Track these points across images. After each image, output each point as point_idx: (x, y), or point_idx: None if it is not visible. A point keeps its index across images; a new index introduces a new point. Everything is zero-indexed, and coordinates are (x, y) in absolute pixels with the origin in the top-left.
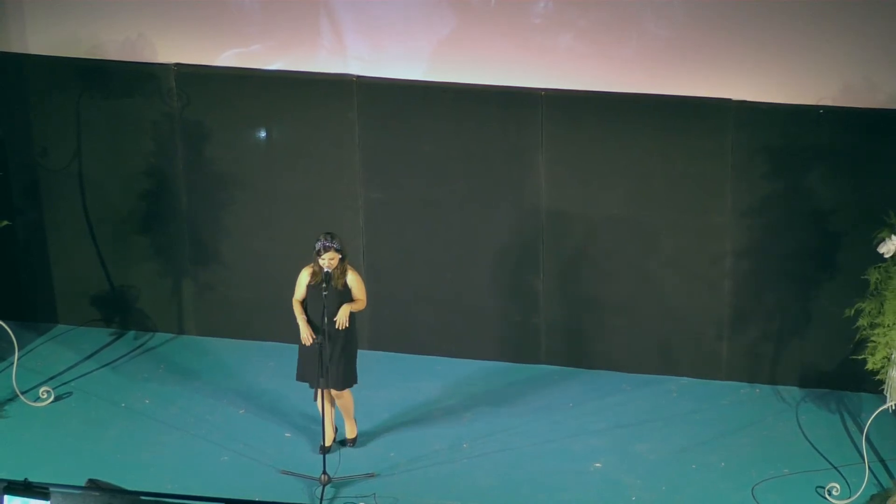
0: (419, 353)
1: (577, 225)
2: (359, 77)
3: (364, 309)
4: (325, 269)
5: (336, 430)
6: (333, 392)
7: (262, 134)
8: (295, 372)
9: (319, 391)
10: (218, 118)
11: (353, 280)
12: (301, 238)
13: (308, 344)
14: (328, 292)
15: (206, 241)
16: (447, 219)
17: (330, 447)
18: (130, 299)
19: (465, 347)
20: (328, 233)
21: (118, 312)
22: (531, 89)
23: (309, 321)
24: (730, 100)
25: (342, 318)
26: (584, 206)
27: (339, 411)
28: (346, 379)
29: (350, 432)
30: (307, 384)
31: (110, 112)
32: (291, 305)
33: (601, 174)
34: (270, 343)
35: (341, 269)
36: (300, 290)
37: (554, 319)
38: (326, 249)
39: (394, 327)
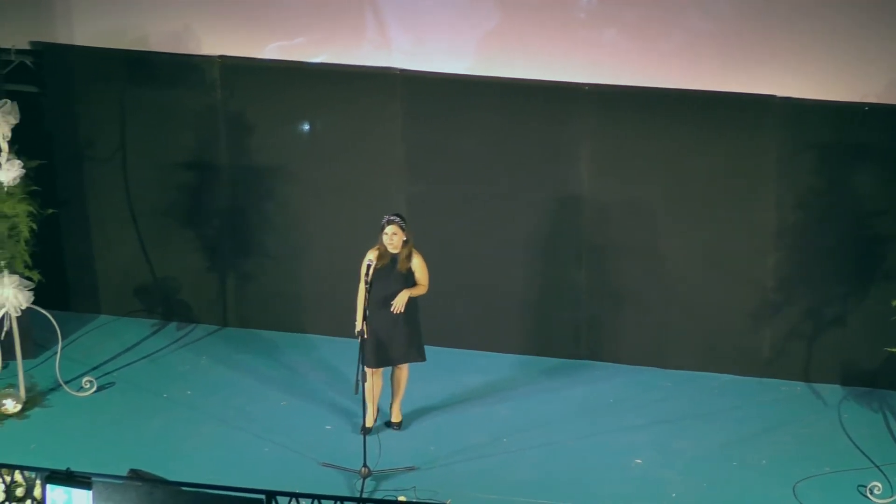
0: (460, 347)
1: (619, 220)
2: (402, 70)
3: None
4: (367, 263)
5: (378, 411)
6: (398, 366)
7: (306, 127)
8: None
9: (361, 383)
10: (261, 111)
11: (418, 263)
12: (344, 230)
13: (362, 338)
14: (394, 274)
15: (248, 233)
16: (489, 212)
17: (371, 429)
18: (173, 290)
19: (506, 342)
20: (396, 213)
21: (161, 303)
22: (574, 84)
23: (372, 310)
24: (774, 96)
25: (399, 303)
26: (626, 201)
27: (392, 392)
28: (415, 353)
29: (396, 415)
30: (355, 376)
31: (155, 104)
32: (332, 301)
33: (643, 169)
34: (312, 335)
35: (407, 252)
36: (364, 274)
37: (595, 314)
38: (390, 222)
39: (436, 321)
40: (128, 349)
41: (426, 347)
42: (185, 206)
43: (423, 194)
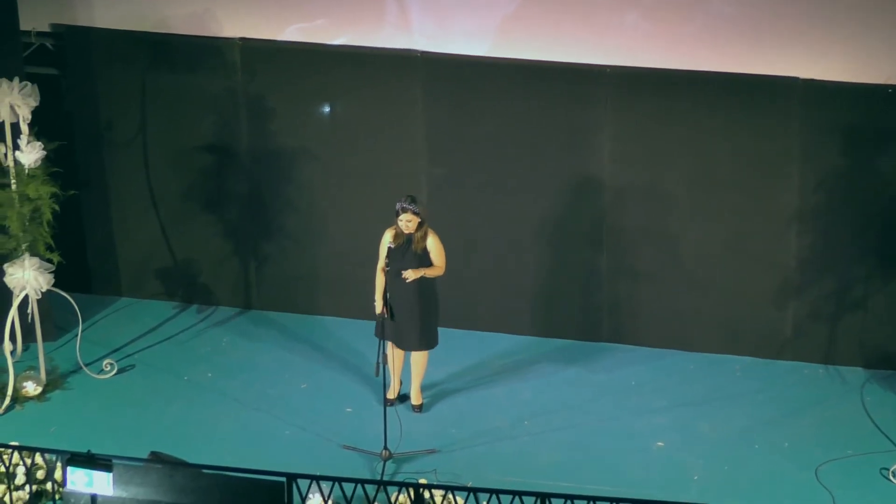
0: (481, 330)
1: (640, 203)
2: (423, 53)
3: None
4: (389, 245)
5: (402, 383)
6: (412, 356)
7: (326, 109)
8: (373, 331)
9: (382, 365)
10: (282, 93)
11: (433, 244)
12: (365, 213)
13: (380, 319)
14: (409, 255)
15: (268, 216)
16: (510, 195)
17: (394, 400)
18: (194, 273)
19: (528, 324)
20: (409, 195)
21: (181, 286)
22: (596, 66)
23: (389, 291)
24: (797, 78)
25: (411, 273)
26: (647, 184)
27: (410, 372)
28: (425, 341)
29: (416, 398)
30: (376, 358)
31: (175, 86)
32: (353, 284)
33: (665, 152)
34: (332, 318)
35: (422, 233)
36: (383, 253)
37: (617, 297)
38: (404, 210)
39: (456, 303)
40: (148, 332)
41: (446, 330)
42: (205, 188)
43: (443, 177)
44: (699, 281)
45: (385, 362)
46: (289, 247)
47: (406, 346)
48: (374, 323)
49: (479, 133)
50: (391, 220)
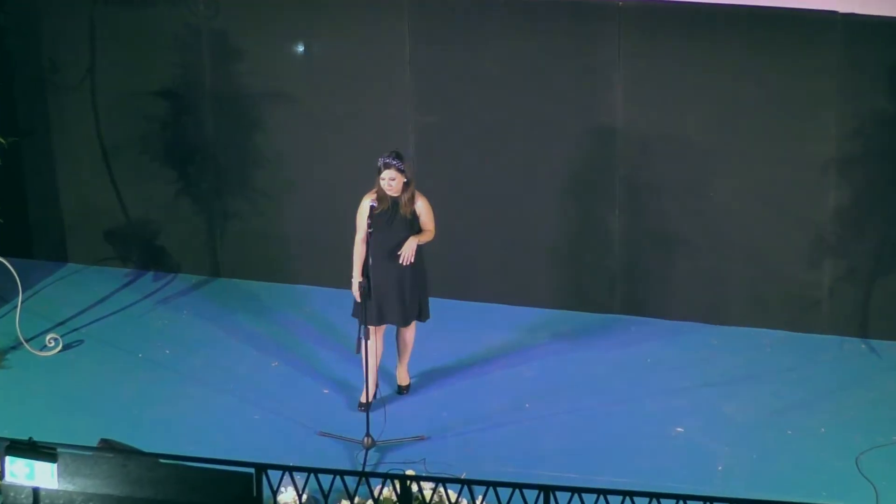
0: (476, 300)
1: (657, 154)
2: None
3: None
4: (370, 204)
5: (378, 385)
6: (402, 331)
7: (301, 48)
8: (353, 311)
9: (363, 343)
10: (250, 30)
11: (423, 207)
12: (344, 168)
13: (359, 299)
14: (395, 220)
15: (235, 171)
16: (509, 146)
17: (371, 404)
18: (150, 236)
19: (529, 293)
20: (394, 150)
21: (136, 250)
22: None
23: (368, 263)
24: (836, 13)
25: (407, 252)
26: (666, 133)
27: (396, 354)
28: (417, 312)
29: (403, 378)
30: (357, 334)
31: (128, 21)
32: (331, 247)
33: (685, 96)
34: (307, 286)
35: (409, 195)
36: (362, 224)
37: (630, 262)
38: (387, 167)
39: (447, 270)
40: (98, 302)
41: (437, 300)
42: (163, 139)
43: (433, 127)
44: (724, 242)
45: (367, 337)
46: (258, 206)
47: (396, 320)
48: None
49: (473, 77)
50: (373, 176)
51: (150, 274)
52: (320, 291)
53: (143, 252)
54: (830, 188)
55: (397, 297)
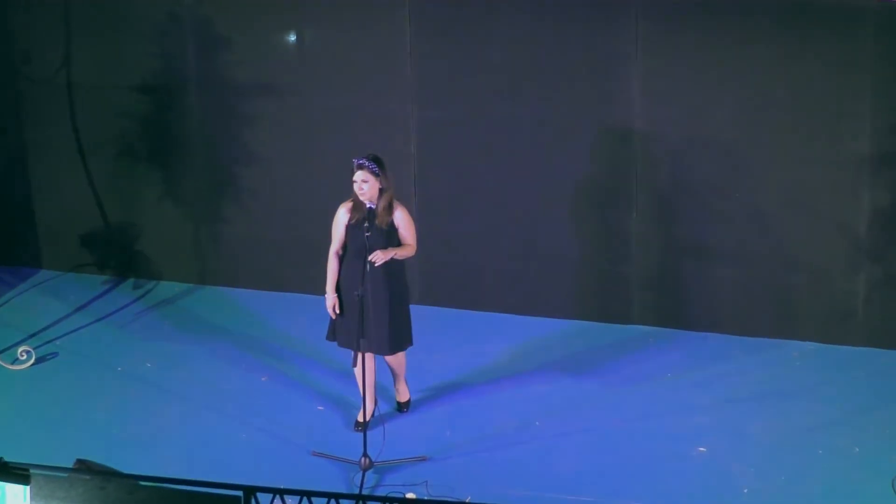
0: (482, 310)
1: (678, 153)
2: None
3: (413, 255)
4: (369, 205)
5: (377, 403)
6: (387, 357)
7: (293, 38)
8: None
9: (360, 355)
10: (239, 18)
11: (402, 217)
12: (340, 166)
13: (333, 317)
14: (371, 233)
15: (223, 170)
16: (518, 144)
17: (369, 423)
18: (130, 240)
19: (539, 303)
20: (371, 153)
21: (114, 256)
22: None
23: (342, 282)
24: (870, 0)
25: (379, 255)
26: (687, 130)
27: (390, 373)
28: (398, 340)
29: (402, 394)
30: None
31: (106, 9)
32: (327, 253)
33: (708, 91)
34: (300, 295)
35: (385, 203)
36: (337, 234)
37: (649, 269)
38: (359, 167)
39: (451, 277)
40: (73, 312)
41: (441, 310)
42: (144, 136)
43: (435, 122)
44: (750, 248)
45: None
46: (248, 208)
47: (374, 348)
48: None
49: (480, 69)
50: None
51: (130, 281)
52: (314, 300)
53: (122, 258)
54: (865, 188)
55: (376, 320)
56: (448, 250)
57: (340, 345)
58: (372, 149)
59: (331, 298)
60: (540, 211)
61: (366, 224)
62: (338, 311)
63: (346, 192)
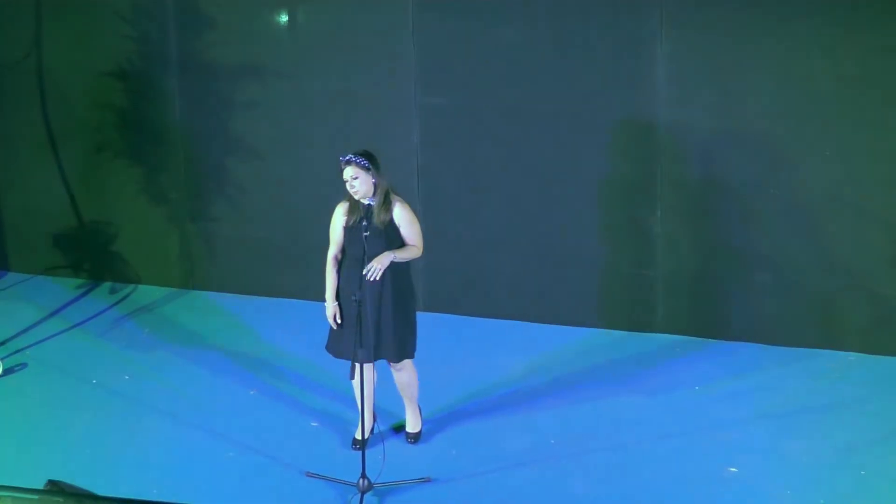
0: (491, 317)
1: (707, 144)
2: None
3: (419, 257)
4: (368, 201)
5: (375, 418)
6: (392, 365)
7: (284, 18)
8: (326, 341)
9: (358, 366)
10: None
11: (402, 214)
12: (336, 159)
13: (334, 327)
14: (369, 232)
15: (208, 164)
16: (530, 134)
17: (367, 441)
18: (106, 240)
19: (554, 309)
20: (361, 149)
21: (89, 258)
22: None
23: (342, 289)
24: None
25: (376, 265)
26: (717, 120)
27: (400, 393)
28: (405, 346)
29: (413, 424)
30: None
31: None
32: (323, 254)
33: (741, 76)
34: (293, 300)
35: (382, 199)
36: (334, 238)
37: (675, 273)
38: (347, 163)
39: (458, 281)
40: (44, 318)
41: (446, 317)
42: (120, 126)
43: (441, 108)
44: (787, 249)
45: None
46: (236, 206)
47: (383, 354)
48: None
49: (489, 49)
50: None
51: (107, 285)
52: (308, 306)
53: (97, 260)
54: None
55: (382, 327)
56: (454, 251)
57: (340, 357)
58: (371, 138)
59: (331, 307)
60: (555, 208)
61: (363, 223)
62: (339, 321)
63: (344, 186)
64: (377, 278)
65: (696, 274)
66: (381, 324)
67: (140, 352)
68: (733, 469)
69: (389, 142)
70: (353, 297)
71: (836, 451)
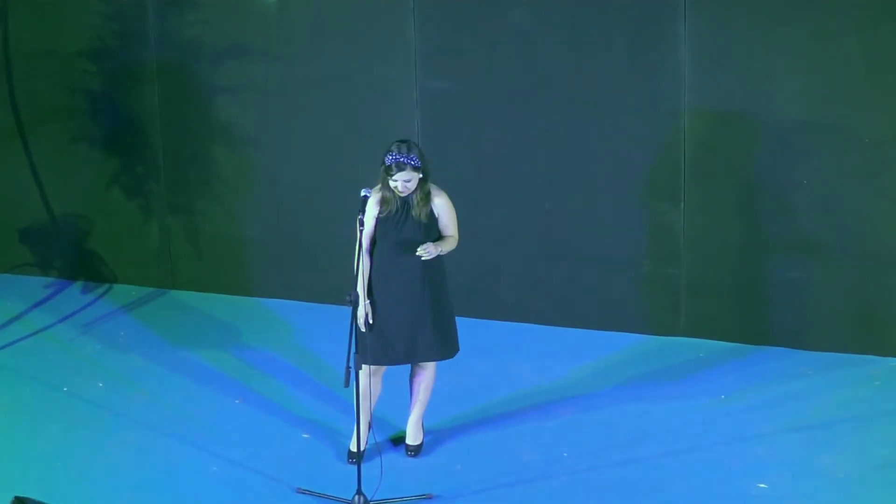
0: (501, 319)
1: (735, 133)
2: None
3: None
4: (375, 215)
5: (371, 427)
6: (419, 364)
7: None
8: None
9: (353, 372)
10: None
11: (444, 206)
12: (328, 150)
13: (363, 328)
14: (408, 223)
15: (189, 154)
16: (543, 121)
17: (363, 453)
18: (78, 236)
19: (569, 311)
20: (402, 140)
21: (60, 255)
22: None
23: (374, 285)
24: None
25: (431, 247)
26: (744, 105)
27: (412, 398)
28: (448, 342)
29: (414, 436)
30: (346, 363)
31: None
32: (314, 253)
33: (771, 58)
34: (280, 301)
35: (422, 193)
36: (367, 229)
37: (700, 271)
38: (400, 167)
39: (466, 282)
40: (10, 321)
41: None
42: (94, 114)
43: (445, 92)
44: (820, 245)
45: (357, 377)
46: (219, 200)
47: (418, 353)
48: (342, 309)
49: (497, 29)
50: (366, 158)
51: (79, 284)
52: (297, 307)
53: (69, 257)
54: None
55: (410, 326)
56: (458, 248)
57: (378, 363)
58: (368, 125)
59: (364, 305)
60: (568, 202)
61: (398, 214)
62: (370, 322)
63: (337, 178)
64: (425, 256)
65: (723, 273)
66: (419, 324)
67: (115, 357)
68: (762, 485)
69: (388, 129)
70: (347, 297)
71: (873, 465)
